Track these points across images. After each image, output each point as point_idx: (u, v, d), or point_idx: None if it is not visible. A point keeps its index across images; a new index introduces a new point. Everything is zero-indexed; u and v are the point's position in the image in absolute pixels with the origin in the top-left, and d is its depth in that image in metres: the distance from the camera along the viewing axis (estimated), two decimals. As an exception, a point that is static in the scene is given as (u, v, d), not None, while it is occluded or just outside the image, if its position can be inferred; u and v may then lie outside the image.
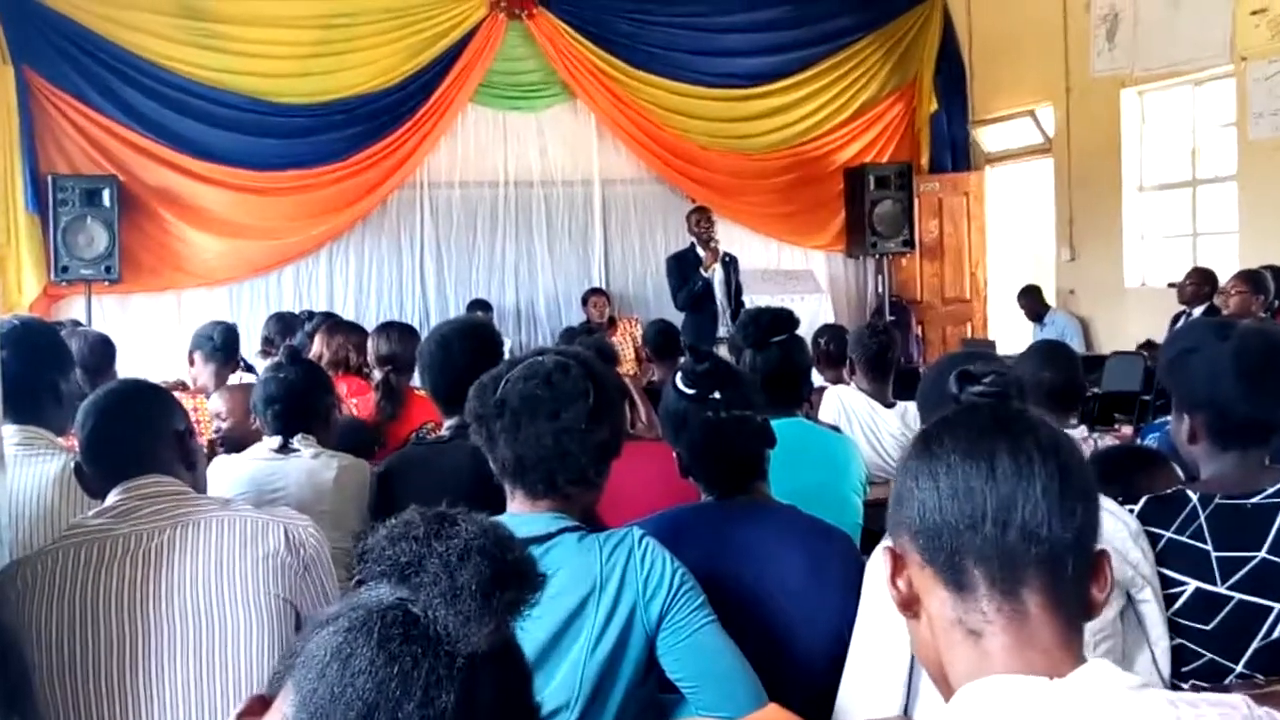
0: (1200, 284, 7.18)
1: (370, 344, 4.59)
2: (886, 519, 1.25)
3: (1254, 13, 7.60)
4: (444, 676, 0.89)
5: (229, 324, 5.12)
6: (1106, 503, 2.25)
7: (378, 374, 4.40)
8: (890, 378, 4.66)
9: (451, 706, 0.89)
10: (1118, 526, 2.18)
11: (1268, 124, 7.58)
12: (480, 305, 9.41)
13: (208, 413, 3.87)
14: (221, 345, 4.81)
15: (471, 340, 3.17)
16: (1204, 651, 2.16)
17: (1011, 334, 9.82)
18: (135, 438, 2.18)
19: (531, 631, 1.89)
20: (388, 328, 4.67)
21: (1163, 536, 2.19)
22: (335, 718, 0.89)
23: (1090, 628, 2.05)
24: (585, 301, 9.66)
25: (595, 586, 1.94)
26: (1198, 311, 6.91)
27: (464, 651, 0.91)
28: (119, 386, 2.38)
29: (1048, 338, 7.99)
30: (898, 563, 1.22)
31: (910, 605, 1.21)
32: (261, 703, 0.96)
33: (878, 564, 2.17)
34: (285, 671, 0.94)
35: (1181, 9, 8.17)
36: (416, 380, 4.62)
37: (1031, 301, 9.36)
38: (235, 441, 3.47)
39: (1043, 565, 1.14)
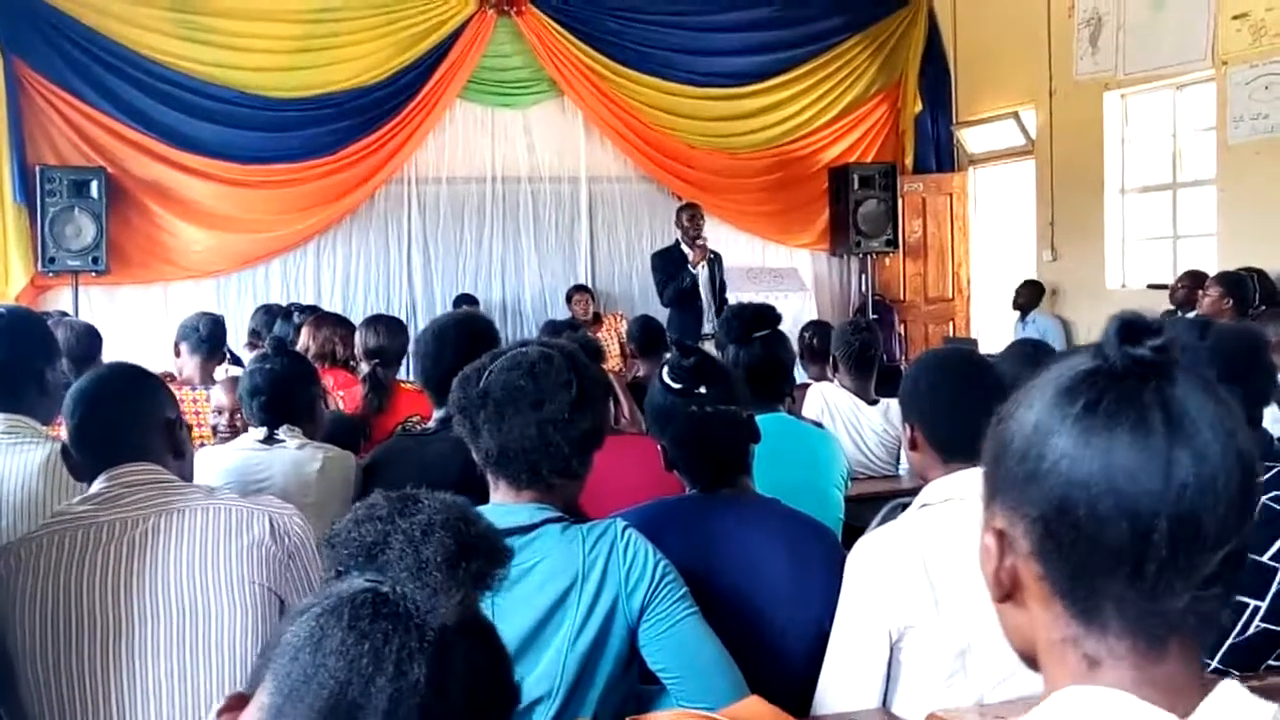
0: (1193, 286, 7.22)
1: (358, 337, 4.60)
2: (988, 484, 0.99)
3: (1235, 17, 7.65)
4: (415, 650, 0.91)
5: (215, 315, 5.08)
6: None
7: (365, 367, 4.41)
8: (873, 375, 4.69)
9: (424, 678, 0.90)
10: None
11: (1247, 128, 7.63)
12: (466, 300, 9.40)
13: (207, 406, 3.86)
14: (207, 337, 4.79)
15: (467, 333, 3.15)
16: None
17: (994, 333, 9.86)
18: (126, 424, 2.18)
19: (514, 621, 1.91)
20: (376, 321, 4.68)
21: None
22: (309, 698, 0.90)
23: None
24: (569, 299, 9.68)
25: (578, 577, 1.95)
26: (1190, 315, 6.93)
27: (434, 624, 0.93)
28: (111, 371, 2.36)
29: (1028, 337, 8.02)
30: (1004, 547, 0.96)
31: (1012, 595, 0.97)
32: (240, 700, 0.97)
33: (858, 559, 2.20)
34: (263, 666, 0.96)
35: (1164, 13, 8.22)
36: (402, 374, 4.65)
37: (1031, 294, 9.34)
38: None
39: (1202, 616, 0.90)
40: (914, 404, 2.35)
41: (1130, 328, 0.91)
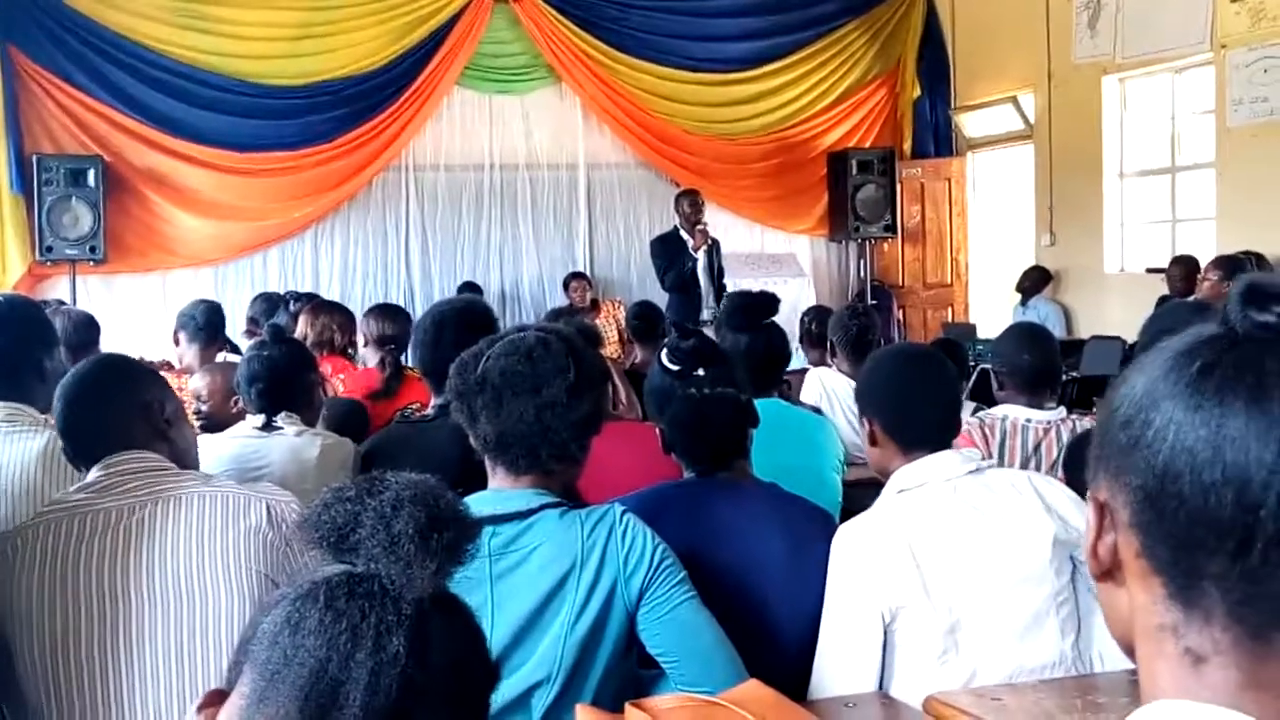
0: (1186, 274, 7.23)
1: (371, 326, 4.61)
2: (1093, 453, 0.91)
3: (1234, 1, 7.64)
4: (392, 624, 0.91)
5: (213, 302, 5.05)
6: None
7: (372, 355, 4.42)
8: (871, 361, 4.68)
9: (403, 650, 0.91)
10: (1063, 491, 2.25)
11: (1246, 111, 7.62)
12: (470, 287, 9.39)
13: (189, 392, 3.85)
14: (204, 324, 4.78)
15: (465, 320, 3.12)
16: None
17: (992, 318, 9.85)
18: (101, 416, 2.19)
19: (513, 606, 1.92)
20: (385, 309, 4.69)
21: None
22: (289, 679, 0.90)
23: (1049, 592, 2.12)
24: (567, 286, 9.67)
25: (576, 562, 1.95)
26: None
27: (409, 597, 0.94)
28: (84, 367, 2.35)
29: (1026, 320, 8.02)
30: (1104, 520, 0.88)
31: (1111, 574, 0.89)
32: (219, 695, 0.97)
33: (843, 546, 2.21)
34: (241, 659, 0.96)
35: (1163, -3, 8.21)
36: (404, 360, 4.65)
37: (1036, 279, 9.35)
38: (215, 423, 3.46)
39: None
40: (872, 399, 2.40)
41: (1257, 291, 0.84)
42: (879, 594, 2.11)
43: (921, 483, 2.22)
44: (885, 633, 2.13)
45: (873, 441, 2.36)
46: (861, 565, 2.15)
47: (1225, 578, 0.80)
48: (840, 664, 2.15)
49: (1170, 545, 0.82)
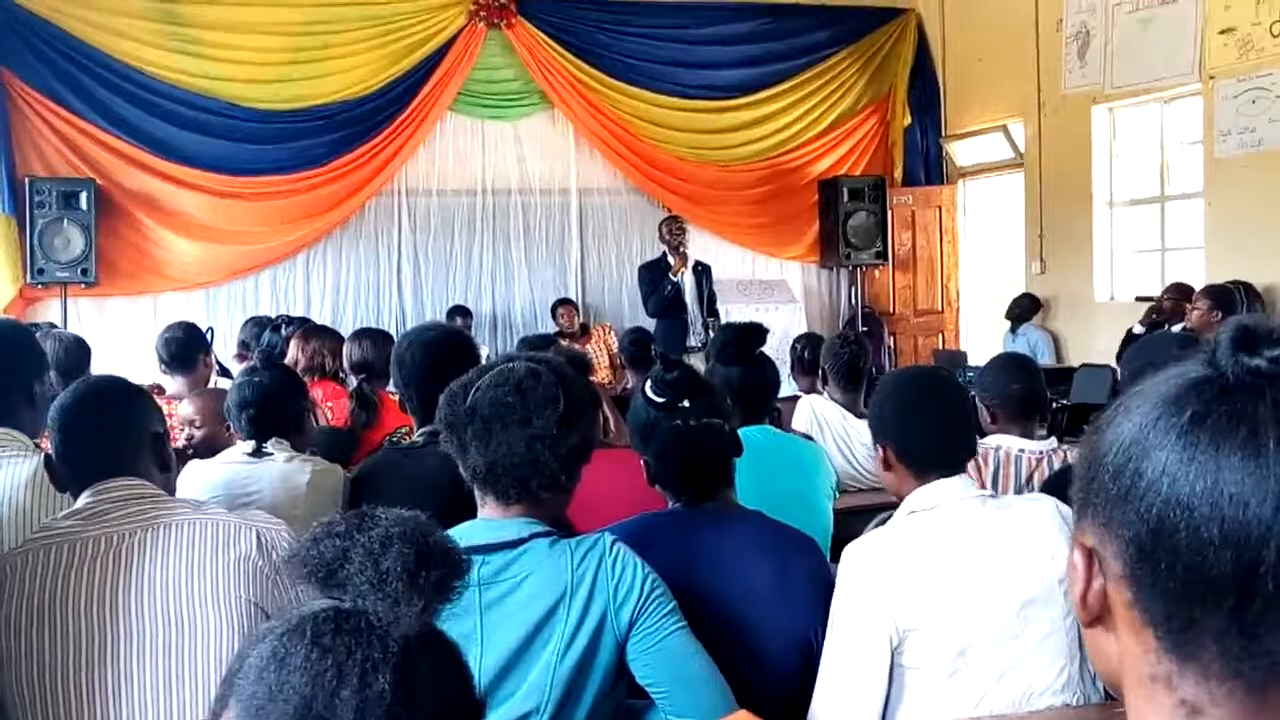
0: (1178, 299, 7.24)
1: (345, 350, 4.58)
2: (1078, 497, 0.89)
3: (1222, 32, 7.69)
4: (379, 661, 0.91)
5: (175, 332, 4.77)
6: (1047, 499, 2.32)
7: (353, 381, 4.39)
8: (862, 388, 4.68)
9: (389, 688, 0.90)
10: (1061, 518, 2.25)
11: (1234, 142, 7.66)
12: (460, 311, 9.42)
13: (179, 419, 3.81)
14: (169, 358, 4.59)
15: (448, 348, 3.15)
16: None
17: (982, 346, 9.88)
18: (111, 441, 2.17)
19: (502, 636, 1.91)
20: (363, 335, 4.66)
21: None
22: (274, 714, 0.90)
23: (1059, 612, 2.12)
24: (554, 312, 9.67)
25: (566, 592, 1.94)
26: (1175, 328, 6.94)
27: (396, 635, 0.94)
28: (95, 384, 2.34)
29: (1015, 350, 8.04)
30: (1092, 567, 0.86)
31: (1101, 619, 0.87)
32: None
33: (852, 566, 2.20)
34: (227, 692, 0.96)
35: (1151, 28, 8.26)
36: (391, 386, 4.63)
37: (1026, 307, 9.39)
38: (207, 448, 3.44)
39: None
40: (883, 425, 2.39)
41: (1247, 335, 0.80)
42: (889, 615, 2.10)
43: (932, 505, 2.21)
44: (893, 656, 2.11)
45: (886, 466, 2.36)
46: (872, 586, 2.13)
47: (1223, 633, 0.78)
48: (842, 692, 2.12)
49: (1165, 599, 0.80)
